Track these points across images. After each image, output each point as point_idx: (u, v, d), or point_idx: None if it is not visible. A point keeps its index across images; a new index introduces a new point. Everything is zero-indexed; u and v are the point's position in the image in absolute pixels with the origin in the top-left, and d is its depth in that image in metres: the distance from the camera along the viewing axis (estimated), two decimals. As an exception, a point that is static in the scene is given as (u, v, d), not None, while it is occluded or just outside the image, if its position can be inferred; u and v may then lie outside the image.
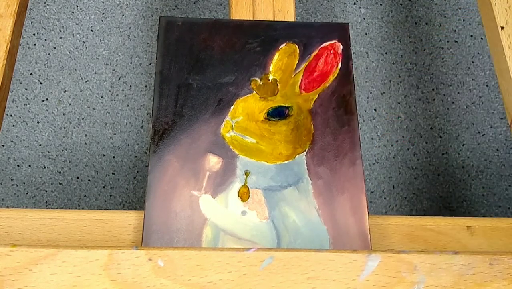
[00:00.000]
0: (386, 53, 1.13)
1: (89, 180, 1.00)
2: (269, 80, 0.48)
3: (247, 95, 0.47)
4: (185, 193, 0.42)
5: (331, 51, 0.49)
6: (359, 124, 0.60)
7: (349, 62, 0.49)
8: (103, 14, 1.14)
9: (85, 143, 1.02)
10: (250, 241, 0.41)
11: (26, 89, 1.06)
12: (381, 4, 1.18)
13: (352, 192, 0.43)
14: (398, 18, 1.16)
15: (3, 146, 1.02)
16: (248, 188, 0.43)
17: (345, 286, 0.34)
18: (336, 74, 0.48)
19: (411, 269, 0.34)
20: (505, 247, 0.44)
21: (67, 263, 0.33)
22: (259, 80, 0.48)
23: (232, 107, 0.46)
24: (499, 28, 0.49)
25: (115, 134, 1.03)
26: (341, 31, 0.50)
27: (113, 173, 1.01)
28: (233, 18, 0.52)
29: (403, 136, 1.06)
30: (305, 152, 0.45)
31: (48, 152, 1.01)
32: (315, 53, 0.49)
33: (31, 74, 1.08)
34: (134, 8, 1.15)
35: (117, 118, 1.04)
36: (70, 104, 1.05)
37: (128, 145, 1.03)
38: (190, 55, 0.48)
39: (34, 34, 1.11)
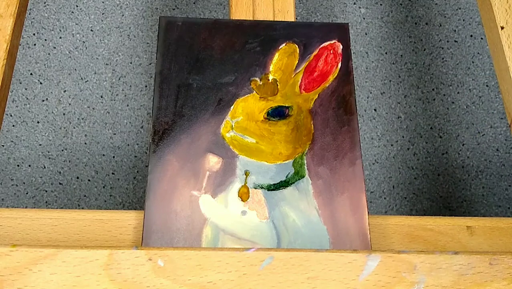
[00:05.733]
0: (386, 53, 1.13)
1: (89, 180, 1.00)
2: (269, 80, 0.48)
3: (247, 95, 0.47)
4: (185, 193, 0.42)
5: (331, 51, 0.49)
6: (359, 124, 0.60)
7: (349, 62, 0.49)
8: (103, 14, 1.14)
9: (85, 143, 1.02)
10: (250, 241, 0.41)
11: (26, 89, 1.06)
12: (381, 4, 1.18)
13: (352, 192, 0.43)
14: (398, 18, 1.16)
15: (3, 146, 1.02)
16: (248, 188, 0.43)
17: (345, 286, 0.34)
18: (336, 74, 0.48)
19: (411, 269, 0.34)
20: (505, 247, 0.44)
21: (67, 263, 0.33)
22: (259, 80, 0.48)
23: (232, 107, 0.46)
24: (499, 28, 0.49)
25: (115, 134, 1.03)
26: (341, 31, 0.50)
27: (113, 173, 1.01)
28: (233, 18, 0.52)
29: (403, 136, 1.06)
30: (305, 152, 0.45)
31: (48, 152, 1.01)
32: (315, 53, 0.49)
33: (31, 74, 1.08)
34: (134, 8, 1.15)
35: (117, 118, 1.04)
36: (70, 104, 1.05)
37: (128, 144, 1.03)
38: (190, 55, 0.48)
39: (34, 34, 1.11)
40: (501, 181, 1.03)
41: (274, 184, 0.44)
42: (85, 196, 0.99)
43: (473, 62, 1.12)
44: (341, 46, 0.50)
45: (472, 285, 0.34)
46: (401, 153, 1.04)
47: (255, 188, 0.43)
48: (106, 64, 1.09)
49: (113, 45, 1.11)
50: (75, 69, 1.08)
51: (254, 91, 0.47)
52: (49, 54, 1.10)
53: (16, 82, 1.07)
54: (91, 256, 0.34)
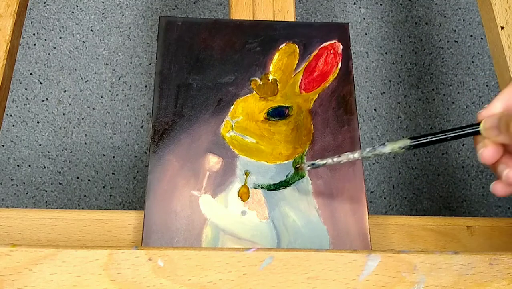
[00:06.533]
0: (386, 53, 1.13)
1: (89, 180, 1.00)
2: (269, 80, 0.48)
3: (247, 95, 0.47)
4: (185, 193, 0.42)
5: (331, 51, 0.49)
6: (359, 124, 0.60)
7: (349, 62, 0.49)
8: (103, 14, 1.14)
9: (85, 143, 1.02)
10: (250, 241, 0.41)
11: (26, 89, 1.06)
12: (381, 4, 1.18)
13: (352, 192, 0.43)
14: (398, 18, 1.16)
15: (3, 145, 1.02)
16: (248, 188, 0.43)
17: (345, 286, 0.34)
18: (336, 74, 0.48)
19: (411, 269, 0.34)
20: (505, 247, 0.44)
21: (67, 263, 0.33)
22: (259, 80, 0.48)
23: (232, 107, 0.46)
24: (499, 28, 0.49)
25: (115, 134, 1.03)
26: (341, 31, 0.50)
27: (113, 173, 1.01)
28: (233, 18, 0.52)
29: (403, 137, 1.06)
30: (305, 152, 0.45)
31: (48, 152, 1.01)
32: (315, 53, 0.49)
33: (31, 74, 1.08)
34: (134, 8, 1.15)
35: (117, 118, 1.04)
36: (70, 104, 1.05)
37: (128, 144, 1.03)
38: (190, 55, 0.48)
39: (34, 34, 1.11)
40: (501, 181, 1.03)
41: (274, 184, 0.44)
42: (85, 196, 0.99)
43: (473, 62, 1.12)
44: (341, 46, 0.50)
45: (472, 285, 0.34)
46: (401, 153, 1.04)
47: (255, 188, 0.43)
48: (106, 64, 1.09)
49: (113, 45, 1.11)
50: (75, 69, 1.08)
51: (254, 91, 0.47)
52: (49, 54, 1.10)
53: (16, 82, 1.07)
54: (91, 256, 0.34)
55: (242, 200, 0.43)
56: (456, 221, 0.45)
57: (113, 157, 1.02)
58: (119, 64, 1.09)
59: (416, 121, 1.07)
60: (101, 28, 1.12)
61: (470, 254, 0.35)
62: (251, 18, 0.52)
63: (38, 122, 1.04)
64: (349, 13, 1.16)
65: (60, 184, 0.99)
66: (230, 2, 0.53)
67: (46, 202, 0.98)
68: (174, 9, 1.15)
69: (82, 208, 0.98)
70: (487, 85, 1.10)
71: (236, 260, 0.34)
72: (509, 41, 0.48)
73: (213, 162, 0.44)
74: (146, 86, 1.07)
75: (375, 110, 1.07)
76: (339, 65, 0.49)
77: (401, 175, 1.03)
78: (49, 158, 1.01)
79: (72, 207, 0.98)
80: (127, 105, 1.06)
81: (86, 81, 1.07)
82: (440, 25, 1.16)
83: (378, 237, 0.44)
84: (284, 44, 0.49)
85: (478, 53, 1.13)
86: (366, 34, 1.14)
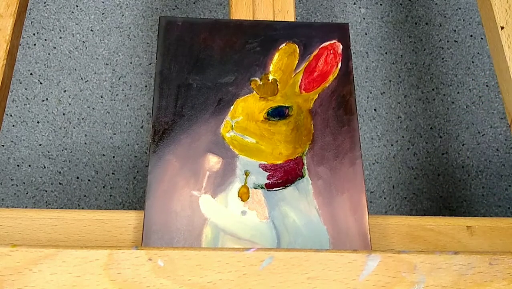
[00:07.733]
0: (386, 53, 1.13)
1: (89, 180, 1.00)
2: (269, 80, 0.48)
3: (247, 95, 0.47)
4: (185, 193, 0.42)
5: (331, 51, 0.49)
6: (359, 124, 0.60)
7: (349, 62, 0.49)
8: (103, 14, 1.14)
9: (85, 143, 1.02)
10: (250, 241, 0.41)
11: (26, 89, 1.06)
12: (381, 4, 1.18)
13: (352, 192, 0.43)
14: (398, 18, 1.16)
15: (3, 146, 1.02)
16: (248, 188, 0.43)
17: (345, 286, 0.34)
18: (336, 74, 0.48)
19: (411, 269, 0.34)
20: (505, 247, 0.44)
21: (67, 263, 0.33)
22: (259, 80, 0.48)
23: (232, 107, 0.46)
24: (499, 28, 0.49)
25: (115, 134, 1.03)
26: (341, 31, 0.50)
27: (113, 173, 1.01)
28: (233, 18, 0.52)
29: (403, 136, 1.06)
30: (305, 152, 0.45)
31: (48, 152, 1.01)
32: (315, 53, 0.49)
33: (31, 74, 1.08)
34: (134, 8, 1.15)
35: (117, 118, 1.04)
36: (70, 104, 1.05)
37: (128, 144, 1.03)
38: (190, 55, 0.48)
39: (34, 34, 1.11)
40: (501, 181, 1.03)
41: (274, 184, 0.44)
42: (85, 196, 0.99)
43: (473, 62, 1.12)
44: (341, 46, 0.50)
45: (472, 285, 0.34)
46: (401, 153, 1.04)
47: (255, 188, 0.43)
48: (106, 64, 1.09)
49: (113, 45, 1.11)
50: (75, 69, 1.08)
51: (254, 91, 0.47)
52: (49, 54, 1.10)
53: (16, 82, 1.07)
54: (91, 256, 0.34)
55: (242, 200, 0.43)
56: (456, 221, 0.45)
57: (113, 157, 1.02)
58: (119, 64, 1.09)
59: (416, 121, 1.07)
60: (101, 28, 1.12)
61: (470, 254, 0.35)
62: (251, 18, 0.52)
63: (38, 122, 1.04)
64: (349, 13, 1.16)
65: (60, 184, 0.99)
66: (230, 2, 0.53)
67: (46, 202, 0.98)
68: (174, 9, 1.15)
69: (82, 208, 0.98)
70: (487, 85, 1.10)
71: (236, 260, 0.34)
72: (509, 41, 0.48)
73: (213, 162, 0.44)
74: (146, 86, 1.07)
75: (375, 110, 1.07)
76: (339, 65, 0.49)
77: (401, 175, 1.03)
78: (49, 158, 1.01)
79: (72, 207, 0.98)
80: (127, 105, 1.06)
81: (86, 81, 1.07)
82: (440, 25, 1.16)
83: (378, 237, 0.44)
84: (284, 44, 0.49)
85: (478, 53, 1.13)
86: (366, 34, 1.14)
